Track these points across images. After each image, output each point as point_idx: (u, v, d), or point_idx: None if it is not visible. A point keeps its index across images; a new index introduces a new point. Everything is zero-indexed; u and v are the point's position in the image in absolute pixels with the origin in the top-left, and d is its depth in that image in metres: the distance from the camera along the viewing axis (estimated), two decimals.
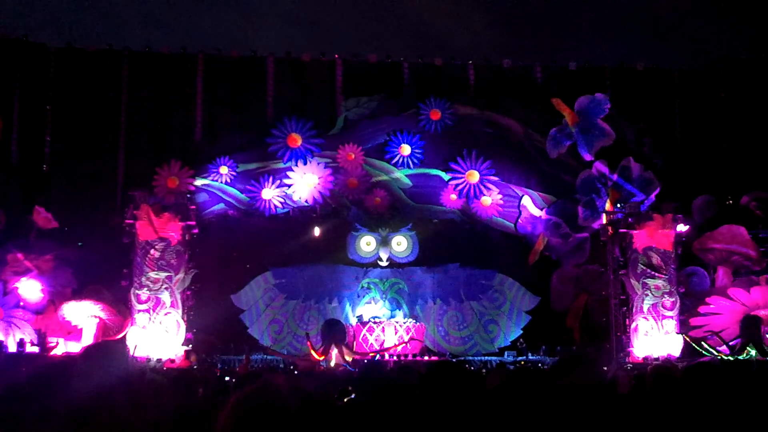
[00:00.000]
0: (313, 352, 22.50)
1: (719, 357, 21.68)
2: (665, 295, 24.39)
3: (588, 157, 26.02)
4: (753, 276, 24.56)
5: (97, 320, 23.00)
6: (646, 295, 24.41)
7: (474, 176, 26.38)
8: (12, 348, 22.21)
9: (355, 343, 24.36)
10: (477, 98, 27.61)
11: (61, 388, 5.61)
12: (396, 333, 24.80)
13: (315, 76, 27.87)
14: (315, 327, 25.24)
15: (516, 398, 4.49)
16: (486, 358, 25.09)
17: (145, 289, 23.71)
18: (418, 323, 25.45)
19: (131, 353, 22.23)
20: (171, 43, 28.78)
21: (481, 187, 26.49)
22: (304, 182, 26.10)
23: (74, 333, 22.88)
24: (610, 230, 25.30)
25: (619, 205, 25.27)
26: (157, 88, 27.42)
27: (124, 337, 22.85)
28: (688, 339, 23.56)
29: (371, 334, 24.85)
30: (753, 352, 22.02)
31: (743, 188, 26.65)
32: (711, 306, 23.91)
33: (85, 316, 22.82)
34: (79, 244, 24.95)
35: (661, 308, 24.33)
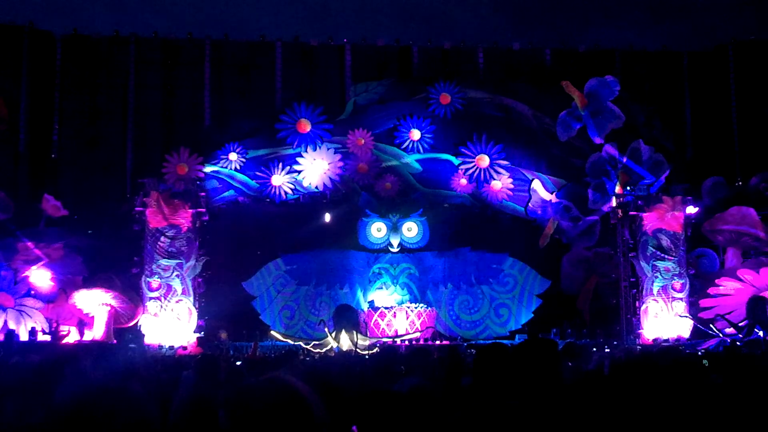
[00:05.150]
0: (331, 337, 22.60)
1: (727, 339, 21.74)
2: (675, 277, 24.49)
3: (598, 140, 26.00)
4: (762, 257, 24.57)
5: (109, 308, 23.03)
6: (656, 277, 24.51)
7: (484, 160, 26.33)
8: (23, 337, 22.22)
9: (368, 328, 24.40)
10: (486, 82, 27.53)
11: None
12: (407, 318, 24.84)
13: (324, 60, 27.79)
14: (327, 313, 25.27)
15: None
16: (497, 341, 25.10)
17: (156, 276, 23.76)
18: (429, 308, 25.47)
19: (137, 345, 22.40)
20: (178, 28, 28.73)
21: (492, 171, 26.44)
22: (314, 168, 26.04)
23: (86, 321, 22.92)
24: (620, 213, 25.35)
25: (628, 188, 25.26)
26: (164, 75, 27.35)
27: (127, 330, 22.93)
28: (692, 320, 23.67)
29: (383, 320, 24.90)
30: (760, 333, 22.05)
31: (753, 170, 26.62)
32: (720, 287, 23.92)
33: (96, 304, 22.84)
34: (89, 232, 24.91)
35: (671, 290, 24.41)
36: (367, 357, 17.06)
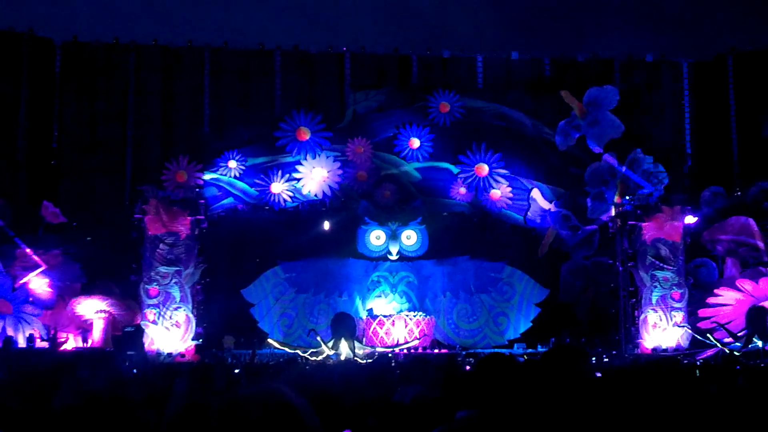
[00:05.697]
0: (324, 346, 22.55)
1: (725, 349, 21.72)
2: (674, 287, 24.42)
3: (597, 150, 26.03)
4: (761, 267, 24.54)
5: (107, 315, 23.01)
6: (655, 287, 24.44)
7: (483, 169, 26.34)
8: (22, 343, 22.19)
9: (365, 337, 24.39)
10: (486, 91, 27.59)
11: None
12: (406, 326, 24.83)
13: (323, 68, 27.83)
14: (325, 321, 25.21)
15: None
16: (495, 350, 25.07)
17: (155, 283, 23.67)
18: (427, 316, 25.45)
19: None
20: (177, 36, 28.78)
21: (491, 180, 26.45)
22: (313, 176, 26.04)
23: (84, 328, 22.89)
24: (619, 222, 25.33)
25: (627, 197, 25.26)
26: (164, 82, 27.38)
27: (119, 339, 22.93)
28: (689, 331, 23.65)
29: (381, 328, 24.88)
30: (759, 343, 22.03)
31: (752, 180, 26.61)
32: (719, 297, 23.90)
33: (94, 311, 22.82)
34: (88, 239, 24.90)
35: (670, 300, 24.34)
36: (364, 363, 17.08)
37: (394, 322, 24.92)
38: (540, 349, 24.93)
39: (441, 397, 5.41)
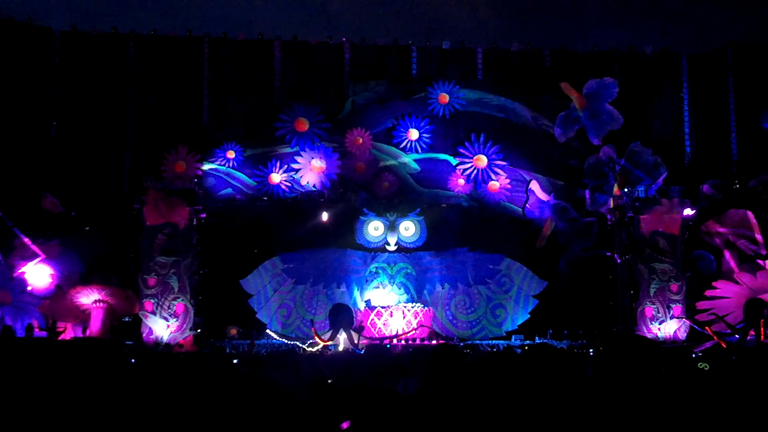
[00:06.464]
0: (317, 338, 22.57)
1: (722, 342, 21.74)
2: (672, 279, 24.44)
3: (596, 142, 26.06)
4: (759, 260, 24.58)
5: (105, 305, 23.02)
6: (653, 279, 24.46)
7: (482, 161, 26.34)
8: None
9: (361, 327, 24.40)
10: (485, 82, 27.58)
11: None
12: (404, 317, 24.85)
13: (322, 59, 27.79)
14: (323, 312, 25.24)
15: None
16: (493, 341, 25.12)
17: (153, 273, 23.69)
18: (425, 308, 25.48)
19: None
20: (177, 26, 28.72)
21: (489, 172, 26.46)
22: (312, 167, 26.05)
23: (83, 318, 22.91)
24: (617, 214, 25.35)
25: (626, 190, 25.27)
26: (163, 72, 27.32)
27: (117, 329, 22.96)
28: (689, 322, 23.69)
29: (379, 319, 24.91)
30: (758, 336, 22.06)
31: (751, 172, 26.62)
32: (717, 290, 23.94)
33: (92, 301, 22.84)
34: (86, 228, 24.89)
35: (668, 292, 24.38)
36: (362, 354, 17.10)
37: (392, 313, 24.96)
38: (538, 341, 24.98)
39: (442, 388, 5.45)
